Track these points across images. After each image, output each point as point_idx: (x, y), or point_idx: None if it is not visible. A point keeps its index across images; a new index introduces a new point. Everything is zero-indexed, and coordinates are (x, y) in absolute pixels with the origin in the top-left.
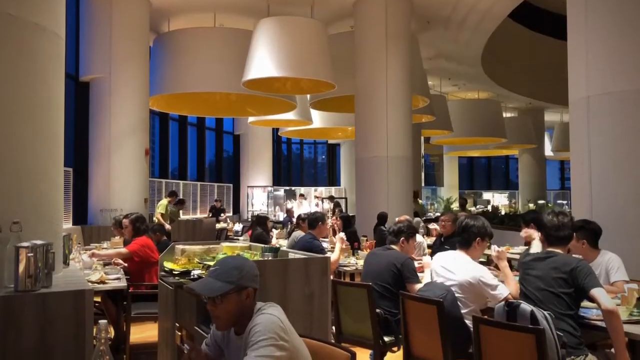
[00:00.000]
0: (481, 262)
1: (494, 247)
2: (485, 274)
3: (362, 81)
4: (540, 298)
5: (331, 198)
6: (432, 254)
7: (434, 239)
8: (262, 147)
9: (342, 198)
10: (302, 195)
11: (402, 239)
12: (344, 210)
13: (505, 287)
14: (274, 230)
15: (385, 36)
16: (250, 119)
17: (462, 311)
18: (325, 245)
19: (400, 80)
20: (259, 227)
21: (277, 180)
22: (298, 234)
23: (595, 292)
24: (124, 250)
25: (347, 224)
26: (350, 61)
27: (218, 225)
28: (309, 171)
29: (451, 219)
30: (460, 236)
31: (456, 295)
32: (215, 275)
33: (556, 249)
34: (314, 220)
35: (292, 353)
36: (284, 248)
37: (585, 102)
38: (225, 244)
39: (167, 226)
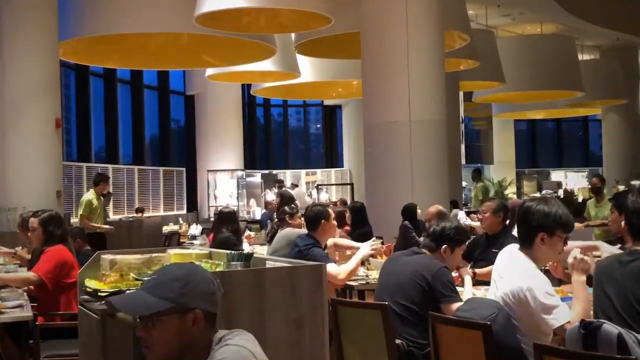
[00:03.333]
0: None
1: (574, 249)
2: (540, 286)
3: (371, 12)
4: (625, 317)
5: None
6: (471, 259)
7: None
8: (228, 114)
9: (346, 184)
10: (294, 184)
11: (444, 246)
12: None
13: (568, 310)
14: (248, 232)
15: None
16: (209, 71)
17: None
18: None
19: (426, 9)
20: (225, 228)
21: (250, 162)
22: (289, 232)
23: None
24: (31, 275)
25: (360, 219)
26: None
27: (166, 228)
28: (296, 147)
29: (493, 208)
30: (518, 229)
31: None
32: (149, 288)
33: None
34: (314, 218)
35: None
36: (261, 255)
37: None
38: (175, 252)
39: (105, 227)
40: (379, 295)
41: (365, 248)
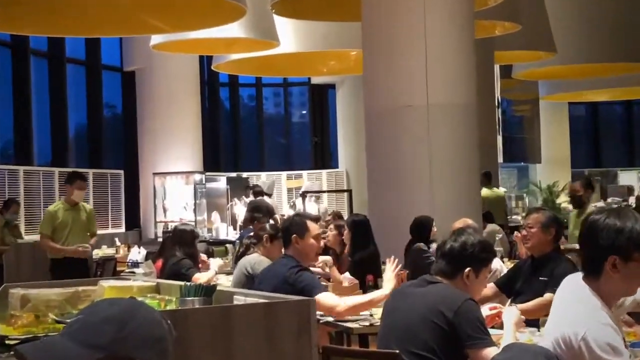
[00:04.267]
0: None
1: None
2: (601, 335)
3: None
4: None
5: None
6: (512, 292)
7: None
8: (181, 97)
9: (342, 191)
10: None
11: (467, 270)
12: (345, 216)
13: None
14: (210, 260)
15: None
16: (155, 39)
17: None
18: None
19: None
20: (179, 251)
21: (212, 162)
22: (255, 259)
23: None
24: None
25: (362, 237)
26: None
27: (98, 252)
28: (275, 141)
29: (541, 221)
30: (581, 251)
31: None
32: (72, 333)
33: None
34: (284, 233)
35: None
36: (227, 287)
37: None
38: (110, 284)
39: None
40: (384, 340)
41: (388, 284)
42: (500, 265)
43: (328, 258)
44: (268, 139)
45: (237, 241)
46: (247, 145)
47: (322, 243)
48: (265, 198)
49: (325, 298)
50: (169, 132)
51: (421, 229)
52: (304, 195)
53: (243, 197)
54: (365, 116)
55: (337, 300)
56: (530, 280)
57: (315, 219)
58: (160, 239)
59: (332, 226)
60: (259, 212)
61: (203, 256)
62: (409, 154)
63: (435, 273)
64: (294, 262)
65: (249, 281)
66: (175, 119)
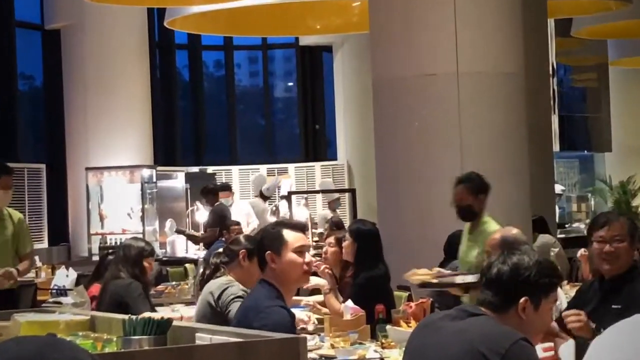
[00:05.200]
0: None
1: None
2: None
3: None
4: None
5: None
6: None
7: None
8: (124, 65)
9: (343, 191)
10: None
11: (523, 300)
12: (346, 221)
13: None
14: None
15: None
16: None
17: None
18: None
19: None
20: (122, 271)
21: (166, 153)
22: (225, 284)
23: None
24: None
25: (369, 252)
26: None
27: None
28: (251, 123)
29: (629, 232)
30: None
31: None
32: None
33: None
34: (257, 249)
35: None
36: (187, 323)
37: None
38: (27, 318)
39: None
40: None
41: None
42: (560, 294)
43: (323, 282)
44: (242, 121)
45: (202, 260)
46: (214, 130)
47: (313, 261)
48: (255, 200)
49: None
50: (106, 113)
51: (457, 246)
52: (289, 196)
53: (204, 201)
54: (374, 89)
55: None
56: (599, 310)
57: (297, 227)
58: (95, 257)
59: (330, 239)
60: (217, 218)
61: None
62: (432, 141)
63: (480, 303)
64: (270, 292)
65: (216, 314)
66: (115, 95)
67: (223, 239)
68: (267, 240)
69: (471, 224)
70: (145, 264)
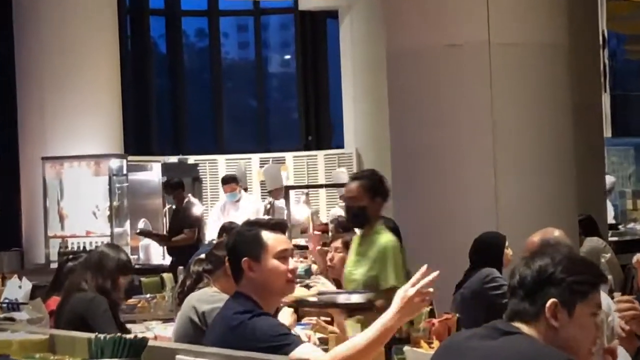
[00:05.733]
0: None
1: None
2: None
3: None
4: None
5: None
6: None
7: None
8: (88, 32)
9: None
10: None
11: (550, 303)
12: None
13: None
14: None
15: None
16: None
17: None
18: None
19: None
20: (87, 281)
21: (139, 139)
22: (209, 297)
23: None
24: None
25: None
26: None
27: None
28: (240, 104)
29: None
30: None
31: None
32: None
33: None
34: (229, 254)
35: None
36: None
37: None
38: None
39: None
40: None
41: (396, 303)
42: (607, 305)
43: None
44: (230, 102)
45: (181, 267)
46: (196, 112)
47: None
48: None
49: (302, 354)
50: (67, 91)
51: (490, 249)
52: (287, 192)
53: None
54: (388, 63)
55: (320, 355)
56: None
57: (278, 226)
58: (54, 265)
59: (336, 243)
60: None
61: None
62: (458, 124)
63: (510, 317)
64: (245, 306)
65: (201, 333)
66: (78, 70)
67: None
68: (243, 245)
69: (361, 233)
70: (121, 280)
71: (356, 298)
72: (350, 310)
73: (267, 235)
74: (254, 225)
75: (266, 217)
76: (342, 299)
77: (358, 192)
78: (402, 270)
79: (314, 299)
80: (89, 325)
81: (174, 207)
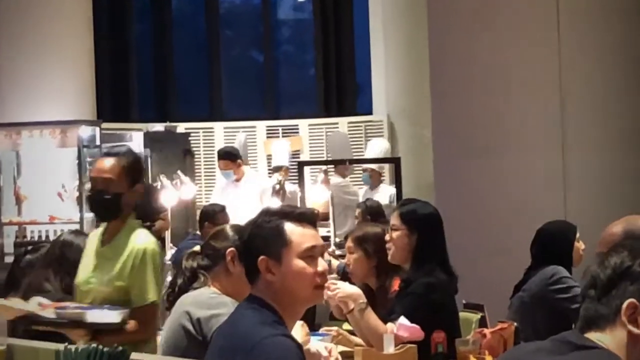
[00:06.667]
0: None
1: None
2: None
3: None
4: None
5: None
6: None
7: None
8: None
9: (382, 161)
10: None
11: (628, 303)
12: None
13: None
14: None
15: None
16: None
17: None
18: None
19: None
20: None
21: (115, 103)
22: (207, 298)
23: None
24: None
25: (428, 248)
26: None
27: None
28: (244, 58)
29: None
30: None
31: None
32: None
33: None
34: (252, 248)
35: None
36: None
37: None
38: None
39: None
40: None
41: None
42: None
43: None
44: (229, 56)
45: (170, 263)
46: (187, 69)
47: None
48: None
49: None
50: (26, 42)
51: (553, 247)
52: (301, 168)
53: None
54: (429, 5)
55: None
56: None
57: (306, 217)
58: (9, 258)
59: (349, 242)
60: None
61: None
62: (519, 87)
63: (582, 327)
64: (264, 315)
65: (196, 344)
66: (39, 15)
67: (197, 232)
68: (260, 240)
69: (106, 227)
70: None
71: (111, 317)
72: (95, 331)
73: (291, 229)
74: (275, 215)
75: (276, 198)
76: (93, 316)
77: (118, 173)
78: (162, 282)
79: (51, 314)
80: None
81: None
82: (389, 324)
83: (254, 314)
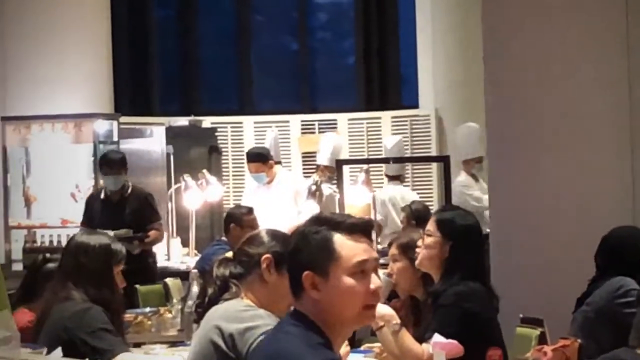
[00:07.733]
0: None
1: None
2: None
3: None
4: None
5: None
6: None
7: None
8: None
9: (430, 159)
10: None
11: None
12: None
13: None
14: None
15: None
16: None
17: None
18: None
19: None
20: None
21: (136, 95)
22: (241, 311)
23: None
24: None
25: (469, 258)
26: None
27: None
28: (277, 46)
29: None
30: None
31: None
32: None
33: None
34: (295, 262)
35: None
36: None
37: None
38: None
39: None
40: None
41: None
42: None
43: (387, 310)
44: (259, 44)
45: (195, 271)
46: (213, 59)
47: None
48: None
49: None
50: (37, 29)
51: (620, 255)
52: (339, 167)
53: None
54: None
55: None
56: None
57: (359, 227)
58: (18, 266)
59: (393, 249)
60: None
61: None
62: (582, 81)
63: (636, 342)
64: (309, 336)
65: (226, 359)
66: (50, 4)
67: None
68: (306, 253)
69: None
70: (116, 273)
71: None
72: None
73: (341, 241)
74: (324, 225)
75: (312, 201)
76: None
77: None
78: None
79: None
80: (82, 348)
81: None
82: (424, 344)
83: (299, 333)
